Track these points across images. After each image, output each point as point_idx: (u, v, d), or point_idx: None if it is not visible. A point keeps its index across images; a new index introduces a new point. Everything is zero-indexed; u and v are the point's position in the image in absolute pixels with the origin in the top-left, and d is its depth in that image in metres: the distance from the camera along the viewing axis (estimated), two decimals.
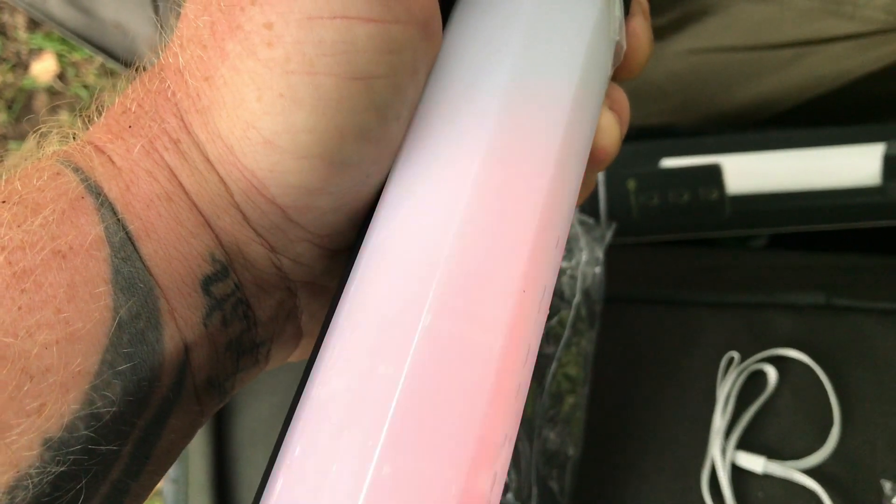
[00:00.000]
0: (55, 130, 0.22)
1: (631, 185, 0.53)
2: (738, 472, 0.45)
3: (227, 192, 0.21)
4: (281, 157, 0.20)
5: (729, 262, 0.52)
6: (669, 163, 0.53)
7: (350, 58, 0.20)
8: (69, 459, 0.18)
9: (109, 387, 0.19)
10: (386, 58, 0.20)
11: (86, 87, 1.09)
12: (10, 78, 1.10)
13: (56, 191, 0.20)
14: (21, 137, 1.08)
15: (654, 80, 0.53)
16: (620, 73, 0.27)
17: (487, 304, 0.20)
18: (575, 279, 0.47)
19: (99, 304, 0.19)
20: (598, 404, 0.47)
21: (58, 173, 0.20)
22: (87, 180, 0.20)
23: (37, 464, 0.18)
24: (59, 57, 1.10)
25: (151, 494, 0.22)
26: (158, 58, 0.22)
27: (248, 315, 0.23)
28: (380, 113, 0.21)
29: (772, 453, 0.44)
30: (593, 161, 0.25)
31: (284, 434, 0.20)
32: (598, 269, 0.48)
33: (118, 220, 0.20)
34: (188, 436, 0.23)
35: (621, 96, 0.26)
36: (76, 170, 0.20)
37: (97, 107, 0.22)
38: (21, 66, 1.11)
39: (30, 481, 0.18)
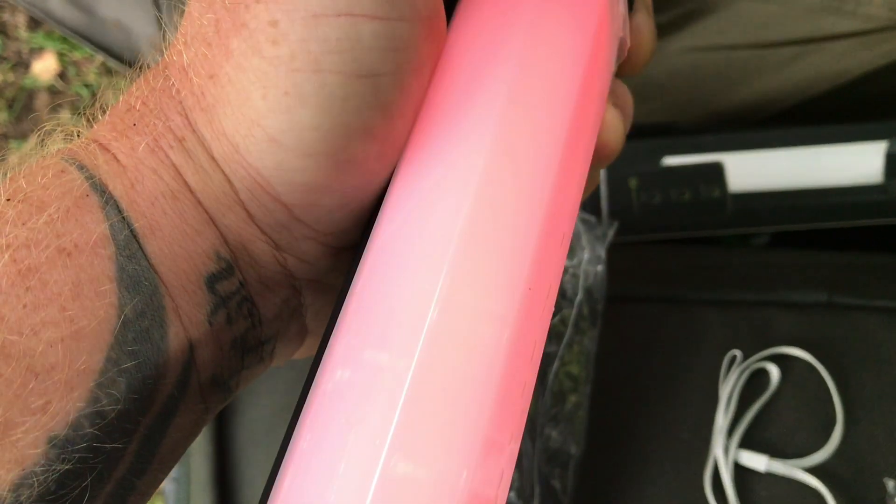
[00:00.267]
0: (59, 129, 0.22)
1: (632, 183, 0.53)
2: (740, 471, 0.45)
3: (232, 189, 0.21)
4: (286, 155, 0.20)
5: (731, 260, 0.52)
6: (671, 161, 0.53)
7: (355, 55, 0.20)
8: (74, 457, 0.18)
9: (114, 385, 0.19)
10: (391, 55, 0.20)
11: (87, 85, 1.09)
12: (10, 77, 1.10)
13: (61, 188, 0.20)
14: (22, 136, 1.08)
15: (655, 78, 0.53)
16: (624, 69, 0.27)
17: (493, 300, 0.20)
18: (577, 277, 0.47)
19: (104, 302, 0.19)
20: (601, 403, 0.47)
21: (62, 171, 0.20)
22: (91, 178, 0.20)
23: (42, 462, 0.18)
24: (60, 56, 1.10)
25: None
26: (162, 55, 0.22)
27: (252, 313, 0.23)
28: (385, 110, 0.21)
29: (774, 452, 0.44)
30: (598, 157, 0.25)
31: (292, 429, 0.20)
32: (599, 268, 0.48)
33: (123, 217, 0.20)
34: (193, 434, 0.23)
35: (625, 92, 0.26)
36: (81, 167, 0.20)
37: (101, 105, 0.22)
38: (22, 65, 1.11)
39: (35, 479, 0.18)
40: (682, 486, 0.45)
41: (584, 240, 0.48)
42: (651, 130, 0.54)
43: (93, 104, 0.23)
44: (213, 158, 0.21)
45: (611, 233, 0.49)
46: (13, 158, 0.21)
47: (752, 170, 0.52)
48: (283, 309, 0.24)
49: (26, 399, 0.18)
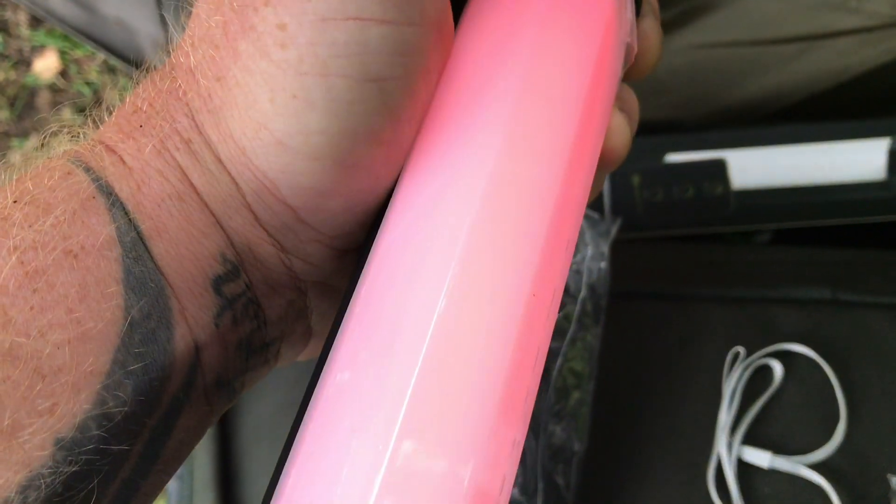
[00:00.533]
0: (65, 129, 0.22)
1: (635, 180, 0.53)
2: (744, 467, 0.45)
3: (239, 192, 0.21)
4: (293, 159, 0.20)
5: (734, 256, 0.52)
6: (674, 158, 0.53)
7: (363, 59, 0.20)
8: (81, 459, 0.18)
9: (121, 387, 0.19)
10: (399, 60, 0.20)
11: (88, 83, 1.09)
12: (12, 75, 1.10)
13: (67, 190, 0.20)
14: (23, 135, 1.07)
15: (658, 75, 0.52)
16: (630, 74, 0.27)
17: (498, 306, 0.20)
18: (580, 274, 0.47)
19: (110, 304, 0.19)
20: (604, 399, 0.47)
21: (69, 173, 0.20)
22: (98, 180, 0.20)
23: (49, 464, 0.18)
24: (62, 54, 1.10)
25: None
26: (169, 56, 0.22)
27: (258, 314, 0.23)
28: (392, 115, 0.21)
29: (778, 448, 0.44)
30: (603, 162, 0.25)
31: (296, 430, 0.20)
32: (603, 264, 0.48)
33: (129, 219, 0.20)
34: (198, 435, 0.23)
35: (631, 97, 0.26)
36: (87, 169, 0.20)
37: (107, 106, 0.22)
38: (23, 63, 1.11)
39: (42, 481, 0.18)
40: (685, 482, 0.45)
41: (588, 236, 0.48)
42: (654, 127, 0.54)
43: (98, 104, 0.22)
44: (219, 161, 0.21)
45: (614, 229, 0.49)
46: (15, 157, 0.21)
47: (755, 167, 0.52)
48: (289, 311, 0.24)
49: (33, 401, 0.18)
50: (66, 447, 0.18)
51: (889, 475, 0.43)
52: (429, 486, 0.18)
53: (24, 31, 1.11)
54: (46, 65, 1.10)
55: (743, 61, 0.51)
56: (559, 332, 0.46)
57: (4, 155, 0.22)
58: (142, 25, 0.52)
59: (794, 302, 0.48)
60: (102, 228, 0.19)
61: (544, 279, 0.21)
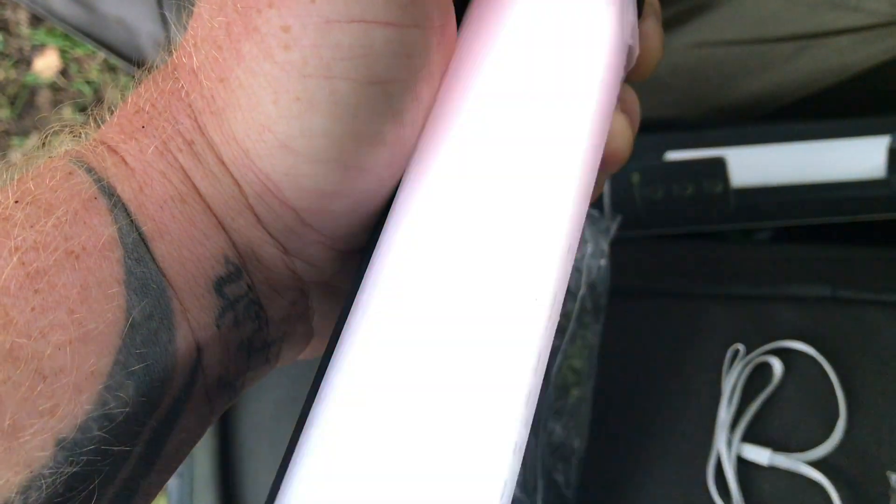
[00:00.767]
0: (66, 129, 0.22)
1: (635, 178, 0.53)
2: (743, 465, 0.45)
3: (242, 194, 0.21)
4: (296, 161, 0.20)
5: (734, 254, 0.52)
6: (674, 156, 0.53)
7: (367, 62, 0.20)
8: (82, 460, 0.18)
9: (122, 387, 0.19)
10: (403, 62, 0.20)
11: (88, 82, 1.09)
12: (12, 74, 1.10)
13: (69, 191, 0.20)
14: (24, 134, 1.07)
15: (658, 74, 0.52)
16: (631, 75, 0.26)
17: (499, 309, 0.20)
18: (580, 272, 0.48)
19: (112, 305, 0.19)
20: (604, 397, 0.47)
21: (70, 173, 0.20)
22: (100, 181, 0.20)
23: (50, 464, 0.18)
24: (62, 53, 1.10)
25: None
26: (171, 57, 0.22)
27: (260, 315, 0.23)
28: (396, 117, 0.21)
29: (777, 445, 0.44)
30: (605, 164, 0.25)
31: (300, 430, 0.20)
32: (602, 262, 0.48)
33: (131, 221, 0.20)
34: (198, 435, 0.23)
35: (633, 98, 0.26)
36: (89, 170, 0.20)
37: (108, 105, 0.22)
38: (23, 62, 1.11)
39: (43, 482, 0.18)
40: (684, 479, 0.45)
41: (588, 234, 0.48)
42: (654, 125, 0.54)
43: (99, 103, 0.22)
44: (222, 162, 0.21)
45: (614, 227, 0.49)
46: (16, 155, 0.21)
47: (754, 165, 0.52)
48: (291, 311, 0.24)
49: (34, 402, 0.18)
50: (67, 448, 0.18)
51: (889, 472, 0.43)
52: (427, 490, 0.19)
53: (25, 29, 1.11)
54: (47, 63, 1.10)
55: (743, 59, 0.51)
56: (559, 330, 0.46)
57: (5, 154, 0.22)
58: (142, 24, 0.52)
59: (793, 299, 0.48)
60: (104, 229, 0.19)
61: (546, 283, 0.21)
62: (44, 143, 0.22)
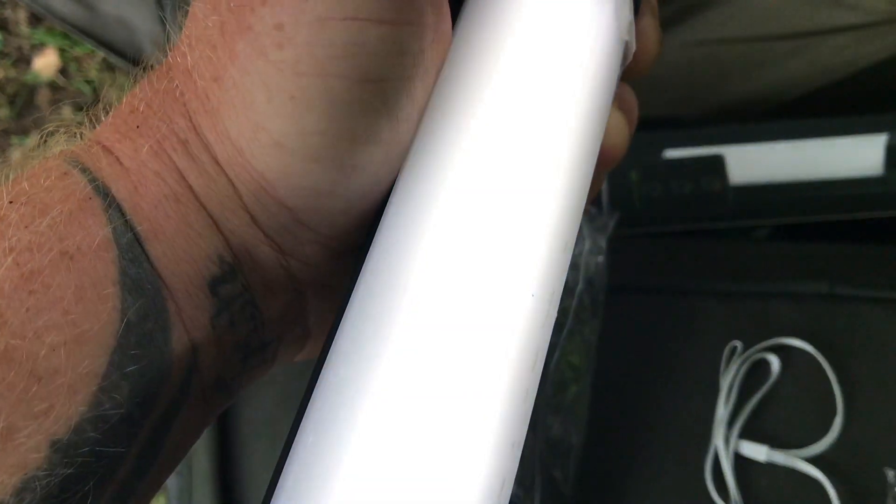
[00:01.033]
0: (62, 129, 0.22)
1: (634, 175, 0.53)
2: (741, 461, 0.45)
3: (236, 193, 0.21)
4: (291, 160, 0.20)
5: (732, 251, 0.52)
6: (672, 153, 0.53)
7: (361, 60, 0.20)
8: (77, 461, 0.18)
9: (117, 388, 0.19)
10: (397, 60, 0.20)
11: (88, 81, 1.09)
12: (12, 73, 1.10)
13: (64, 191, 0.20)
14: (23, 132, 1.07)
15: (656, 72, 0.52)
16: (629, 73, 0.26)
17: (496, 306, 0.20)
18: (578, 268, 0.48)
19: (107, 306, 0.19)
20: (602, 393, 0.47)
21: (65, 173, 0.20)
22: (94, 181, 0.20)
23: (44, 466, 0.18)
24: (61, 52, 1.10)
25: None
26: (166, 57, 0.22)
27: (255, 316, 0.23)
28: (390, 115, 0.21)
29: (775, 442, 0.45)
30: (602, 161, 0.24)
31: (296, 430, 0.20)
32: (600, 258, 0.48)
33: (126, 221, 0.20)
34: (195, 435, 0.23)
35: (630, 96, 0.26)
36: (84, 170, 0.20)
37: (104, 105, 0.22)
38: (23, 61, 1.11)
39: (37, 483, 0.18)
40: (682, 476, 0.45)
41: (586, 231, 0.48)
42: (652, 123, 0.54)
43: (96, 103, 0.22)
44: (216, 162, 0.21)
45: (612, 223, 0.49)
46: (15, 154, 0.21)
47: (753, 162, 0.52)
48: (287, 311, 0.24)
49: (29, 403, 0.17)
50: (62, 449, 0.18)
51: (886, 468, 0.43)
52: (425, 487, 0.19)
53: (24, 28, 1.11)
54: (46, 62, 1.10)
55: (741, 57, 0.51)
56: (557, 326, 0.46)
57: (4, 153, 0.22)
58: (142, 24, 0.52)
59: (791, 296, 0.48)
60: (99, 230, 0.19)
61: (543, 280, 0.21)
62: (40, 143, 0.22)
